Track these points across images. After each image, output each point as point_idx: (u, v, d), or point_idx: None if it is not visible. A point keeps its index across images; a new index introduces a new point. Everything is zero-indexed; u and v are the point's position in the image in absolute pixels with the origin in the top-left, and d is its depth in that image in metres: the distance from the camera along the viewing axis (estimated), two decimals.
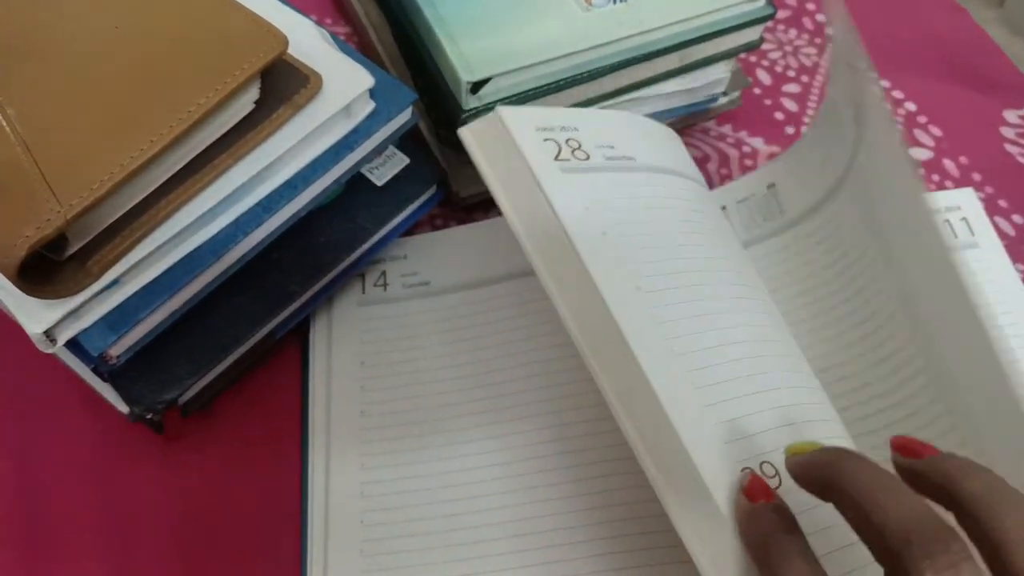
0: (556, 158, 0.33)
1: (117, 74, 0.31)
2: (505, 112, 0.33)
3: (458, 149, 0.41)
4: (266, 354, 0.38)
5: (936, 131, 0.49)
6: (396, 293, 0.38)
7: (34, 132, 0.29)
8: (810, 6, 0.54)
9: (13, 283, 0.28)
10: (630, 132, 0.35)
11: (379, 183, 0.40)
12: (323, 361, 0.37)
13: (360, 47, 0.48)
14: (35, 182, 0.28)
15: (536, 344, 0.36)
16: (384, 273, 0.38)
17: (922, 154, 0.48)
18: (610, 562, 0.31)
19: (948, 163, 0.47)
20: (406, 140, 0.40)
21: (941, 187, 0.47)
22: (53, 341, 0.31)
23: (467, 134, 0.32)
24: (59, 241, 0.29)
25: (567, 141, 0.34)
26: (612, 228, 0.30)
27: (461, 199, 0.42)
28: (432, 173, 0.41)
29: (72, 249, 0.30)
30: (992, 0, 1.44)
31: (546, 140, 0.33)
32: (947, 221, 0.42)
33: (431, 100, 0.40)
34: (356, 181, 0.39)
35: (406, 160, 0.40)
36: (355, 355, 0.37)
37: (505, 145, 0.32)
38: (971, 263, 0.40)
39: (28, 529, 0.34)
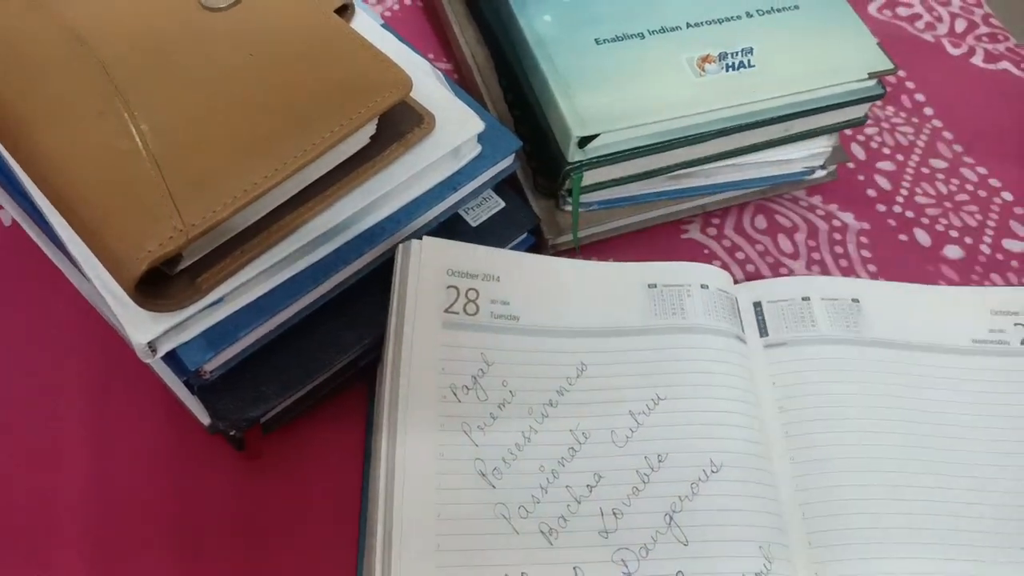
0: (447, 309, 0.36)
1: (247, 101, 0.32)
2: (426, 245, 0.36)
3: (553, 198, 0.42)
4: (348, 380, 0.38)
5: None
6: (484, 322, 0.37)
7: (165, 149, 0.30)
8: (909, 84, 0.54)
9: (128, 294, 0.29)
10: (550, 285, 0.38)
11: (474, 224, 0.40)
12: (403, 386, 0.36)
13: (462, 84, 0.49)
14: (162, 198, 0.29)
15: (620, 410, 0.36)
16: (477, 294, 0.38)
17: (1017, 246, 0.47)
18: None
19: None
20: (502, 184, 0.40)
21: None
22: (154, 351, 0.31)
23: (400, 248, 0.36)
24: (174, 256, 0.30)
25: (467, 291, 0.37)
26: (452, 393, 0.34)
27: (551, 247, 0.42)
28: (526, 219, 0.41)
29: (184, 264, 0.31)
30: None
31: (450, 287, 0.36)
32: (1021, 325, 0.41)
33: (533, 147, 0.41)
34: (452, 220, 0.39)
35: (502, 204, 0.41)
36: (435, 385, 0.36)
37: (412, 276, 0.36)
38: None
39: (98, 530, 0.35)
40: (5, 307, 0.40)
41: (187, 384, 0.34)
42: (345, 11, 0.37)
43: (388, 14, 0.54)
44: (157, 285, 0.30)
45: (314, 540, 0.35)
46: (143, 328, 0.30)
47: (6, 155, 0.34)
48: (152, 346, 0.31)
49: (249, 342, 0.34)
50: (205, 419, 0.36)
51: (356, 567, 0.35)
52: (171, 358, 0.32)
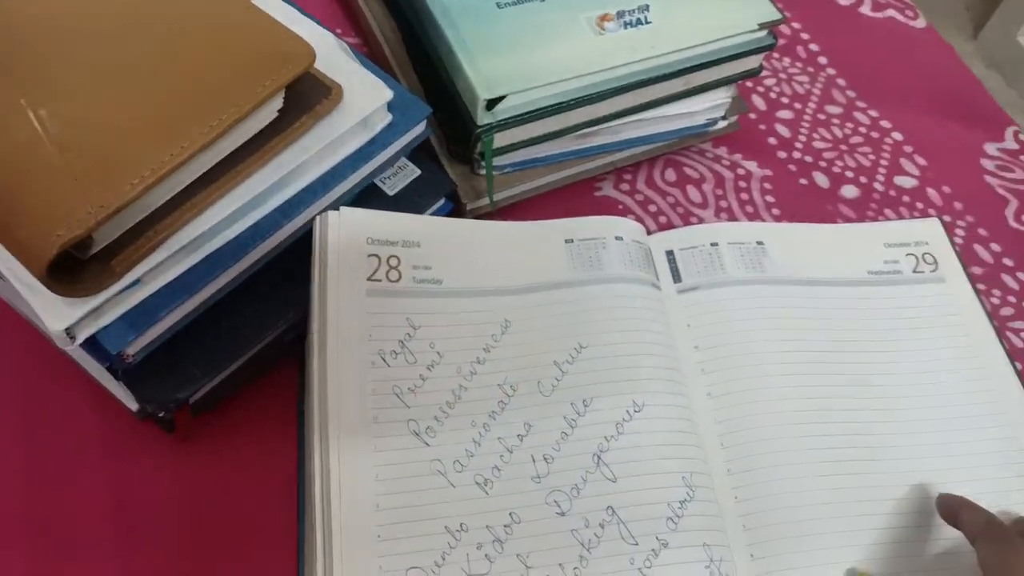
0: (369, 277, 0.37)
1: (149, 79, 0.32)
2: (345, 216, 0.37)
3: (468, 162, 0.42)
4: (276, 357, 0.39)
5: (921, 161, 0.51)
6: (407, 287, 0.38)
7: (67, 132, 0.30)
8: (804, 36, 0.56)
9: (41, 281, 0.29)
10: (470, 247, 0.39)
11: (391, 193, 0.41)
12: (331, 355, 0.37)
13: (371, 57, 0.49)
14: (67, 182, 0.29)
15: (537, 361, 0.37)
16: (398, 261, 0.38)
17: (907, 182, 0.50)
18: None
19: (932, 192, 0.50)
20: (417, 152, 0.41)
21: (925, 214, 0.49)
22: (72, 338, 0.31)
23: (318, 220, 0.36)
24: (84, 240, 0.30)
25: (389, 259, 0.37)
26: (381, 359, 0.35)
27: (469, 211, 0.43)
28: (442, 185, 0.42)
29: (96, 248, 0.31)
30: (967, 34, 1.49)
31: (370, 256, 0.37)
32: (912, 255, 0.44)
33: (444, 114, 0.41)
34: (368, 190, 0.40)
35: (417, 171, 0.41)
36: (363, 352, 0.37)
37: (333, 246, 0.36)
38: (935, 298, 0.42)
39: (36, 524, 0.35)
40: None
41: (110, 370, 0.34)
42: None
43: None
44: (70, 271, 0.30)
45: (252, 521, 0.36)
46: (59, 315, 0.30)
47: None
48: (70, 333, 0.31)
49: (170, 323, 0.34)
50: (132, 404, 0.36)
51: (297, 540, 0.35)
52: (91, 344, 0.32)
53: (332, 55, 0.38)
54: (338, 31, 0.52)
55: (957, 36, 1.48)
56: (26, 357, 0.38)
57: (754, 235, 0.42)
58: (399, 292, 0.37)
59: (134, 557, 0.34)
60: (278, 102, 0.34)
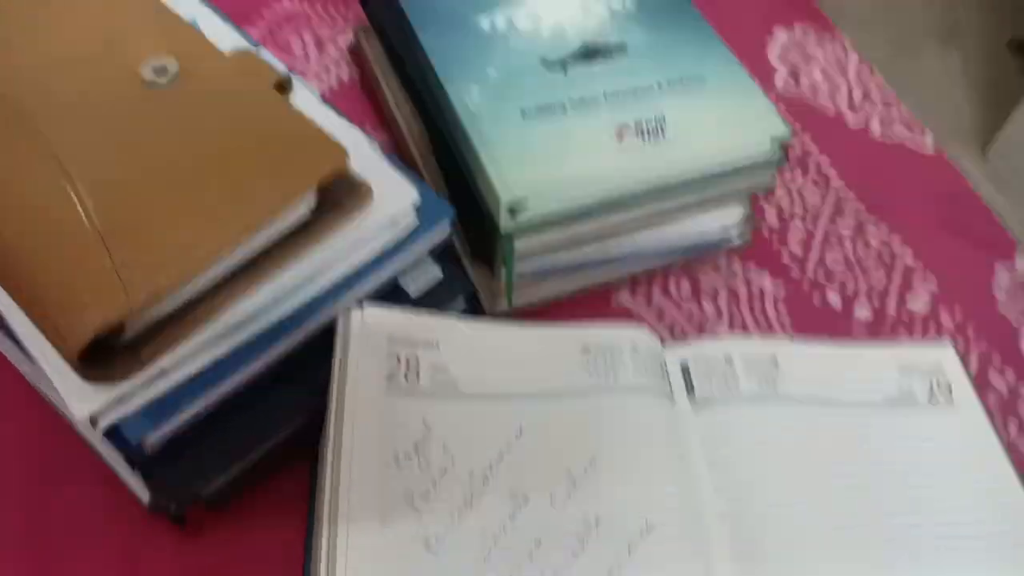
0: (388, 376, 0.37)
1: (190, 175, 0.33)
2: (368, 315, 0.37)
3: (489, 265, 0.43)
4: (291, 451, 0.39)
5: (933, 283, 0.52)
6: (424, 388, 0.38)
7: (109, 222, 0.31)
8: (813, 150, 0.58)
9: (71, 365, 0.29)
10: (489, 350, 0.39)
11: (412, 292, 0.41)
12: (345, 454, 0.37)
13: (397, 153, 0.51)
14: (107, 270, 0.30)
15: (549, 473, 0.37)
16: (417, 362, 0.38)
17: (920, 305, 0.51)
18: None
19: (945, 316, 0.50)
20: (441, 252, 0.42)
21: (938, 338, 0.49)
22: (95, 425, 0.31)
23: (341, 317, 0.37)
24: (115, 328, 0.30)
25: (408, 359, 0.38)
26: (397, 462, 0.35)
27: (489, 313, 0.43)
28: (463, 286, 0.42)
29: (126, 336, 0.31)
30: (976, 157, 1.53)
31: (390, 355, 0.37)
32: (926, 381, 0.44)
33: (466, 215, 0.43)
34: (392, 290, 0.41)
35: (439, 271, 0.42)
36: (377, 454, 0.37)
37: (355, 344, 0.36)
38: (950, 428, 0.42)
39: None
40: None
41: (127, 459, 0.34)
42: (284, 88, 0.39)
43: (327, 90, 0.56)
44: (99, 357, 0.31)
45: None
46: (84, 400, 0.31)
47: None
48: (93, 419, 0.31)
49: (191, 414, 0.34)
50: (145, 496, 0.35)
51: None
52: (112, 432, 0.32)
53: (363, 154, 0.39)
54: (366, 126, 0.54)
55: (964, 154, 1.52)
56: (41, 437, 0.38)
57: (769, 352, 0.42)
58: (416, 393, 0.37)
59: None
60: (311, 200, 0.35)
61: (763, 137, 0.43)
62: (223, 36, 0.42)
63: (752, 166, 0.44)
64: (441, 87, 0.42)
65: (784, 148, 0.44)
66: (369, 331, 0.38)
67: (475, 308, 0.43)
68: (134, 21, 0.38)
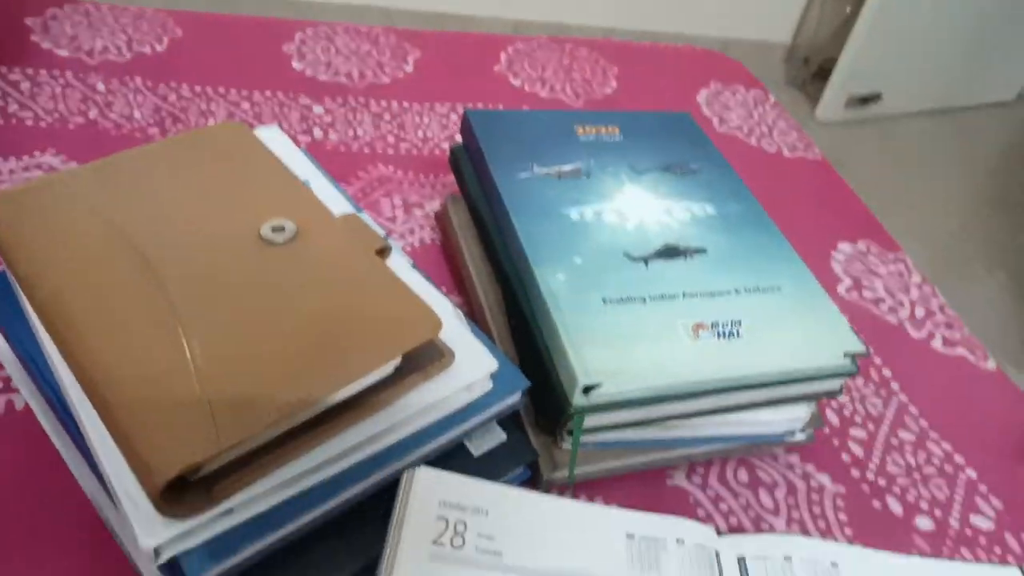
0: (435, 541, 0.37)
1: (291, 329, 0.35)
2: (423, 474, 0.38)
3: (551, 434, 0.44)
4: None
5: (997, 503, 0.50)
6: (470, 556, 0.38)
7: (211, 367, 0.33)
8: (877, 360, 0.59)
9: (151, 499, 0.30)
10: (535, 524, 0.39)
11: (475, 453, 0.42)
12: None
13: (471, 317, 0.53)
14: (201, 414, 0.31)
15: None
16: (464, 527, 0.38)
17: (984, 523, 0.49)
18: None
19: (1010, 538, 0.48)
20: (506, 418, 0.43)
21: (1003, 560, 0.47)
22: (157, 556, 0.32)
23: (405, 476, 0.38)
24: (197, 466, 0.31)
25: (456, 524, 0.38)
26: None
27: (546, 481, 0.44)
28: (525, 453, 0.43)
29: (203, 473, 0.32)
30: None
31: (439, 518, 0.38)
32: None
33: (536, 386, 0.44)
34: (455, 449, 0.41)
35: (503, 436, 0.43)
36: None
37: (407, 505, 0.37)
38: None
39: None
40: (6, 484, 0.40)
41: None
42: (383, 252, 0.42)
43: (410, 249, 0.60)
44: (172, 490, 0.32)
45: None
46: (152, 532, 0.31)
47: (46, 348, 0.37)
48: (158, 551, 0.31)
49: (248, 555, 0.34)
50: None
51: None
52: (170, 566, 0.33)
53: (447, 319, 0.41)
54: (443, 288, 0.56)
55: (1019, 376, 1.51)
56: (92, 559, 0.39)
57: (830, 555, 0.41)
58: (460, 560, 0.37)
59: None
60: (397, 360, 0.37)
61: (837, 351, 0.44)
62: (330, 198, 0.46)
63: (822, 375, 0.44)
64: (529, 268, 0.44)
65: (855, 361, 0.45)
66: (423, 492, 0.38)
67: (534, 475, 0.44)
68: (259, 183, 0.42)
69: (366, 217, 0.45)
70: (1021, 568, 0.44)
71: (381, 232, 0.43)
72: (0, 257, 0.38)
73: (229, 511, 0.33)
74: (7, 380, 0.46)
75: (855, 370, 0.45)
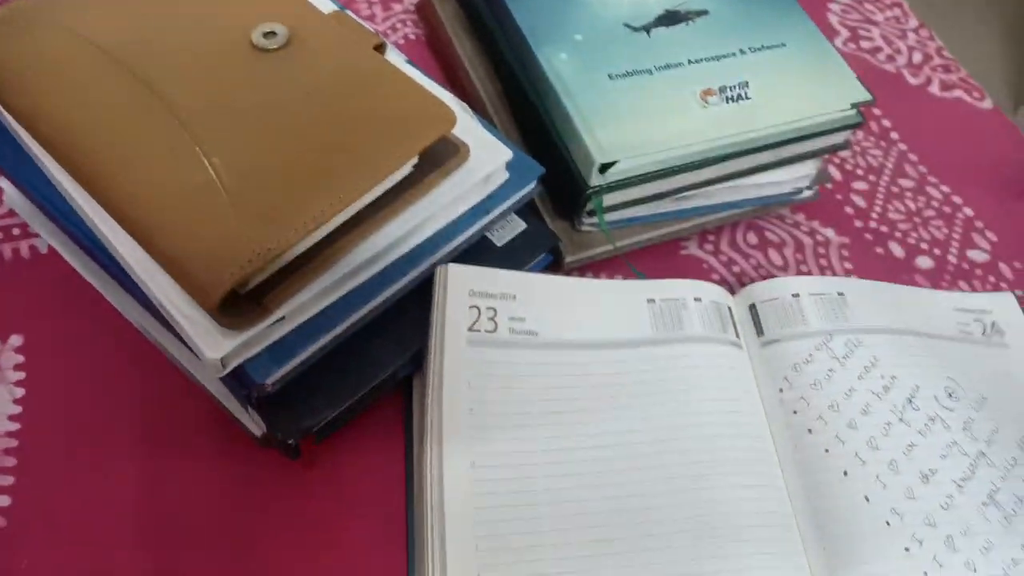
0: (470, 327, 0.39)
1: (306, 137, 0.35)
2: (452, 270, 0.40)
3: (569, 219, 0.45)
4: (385, 390, 0.41)
5: (992, 236, 0.53)
6: (503, 338, 0.40)
7: (237, 182, 0.33)
8: (876, 111, 0.59)
9: (211, 315, 0.32)
10: (562, 302, 0.42)
11: (499, 244, 0.43)
12: (435, 397, 0.39)
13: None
14: (238, 227, 0.32)
15: (629, 414, 0.39)
16: (495, 312, 0.41)
17: (980, 256, 0.52)
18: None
19: (1004, 266, 0.52)
20: (523, 207, 0.44)
21: (997, 288, 0.51)
22: (223, 367, 0.34)
23: (438, 274, 0.40)
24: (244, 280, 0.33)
25: (487, 309, 0.40)
26: (478, 407, 0.38)
27: (568, 263, 0.45)
28: (545, 239, 0.44)
29: (251, 286, 0.33)
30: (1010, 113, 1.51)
31: (471, 307, 0.40)
32: (980, 322, 0.46)
33: (550, 174, 0.44)
34: (479, 242, 0.43)
35: (523, 225, 0.44)
36: (462, 399, 0.39)
37: (442, 299, 0.40)
38: (1003, 362, 0.44)
39: (155, 534, 0.37)
40: (49, 329, 0.42)
41: (249, 399, 0.36)
42: (380, 49, 0.40)
43: (395, 47, 0.57)
44: (226, 307, 0.33)
45: (363, 539, 0.38)
46: (216, 345, 0.33)
47: (64, 186, 0.36)
48: (223, 362, 0.33)
49: (305, 356, 0.36)
50: (259, 431, 0.38)
51: (407, 563, 0.37)
52: (235, 374, 0.35)
53: (459, 117, 0.41)
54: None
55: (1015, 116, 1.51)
56: (149, 382, 0.41)
57: (835, 287, 0.44)
58: (495, 342, 0.40)
59: (250, 570, 0.36)
60: (415, 158, 0.37)
61: (843, 101, 0.44)
62: None
63: (829, 128, 0.45)
64: (530, 51, 0.43)
65: (860, 111, 0.45)
66: (453, 285, 0.40)
67: (556, 260, 0.45)
68: None
69: (351, 14, 0.43)
70: (1015, 293, 0.47)
71: (371, 28, 0.41)
72: None
73: (282, 319, 0.35)
74: (23, 226, 0.46)
75: (860, 120, 0.45)
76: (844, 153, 0.56)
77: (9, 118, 0.37)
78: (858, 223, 0.53)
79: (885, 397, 0.40)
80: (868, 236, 0.52)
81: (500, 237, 0.44)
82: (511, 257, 0.43)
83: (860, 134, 0.57)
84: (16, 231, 0.45)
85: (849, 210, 0.53)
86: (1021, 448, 0.41)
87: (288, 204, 0.33)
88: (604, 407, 0.39)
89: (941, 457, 0.39)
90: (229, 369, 0.34)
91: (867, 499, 0.37)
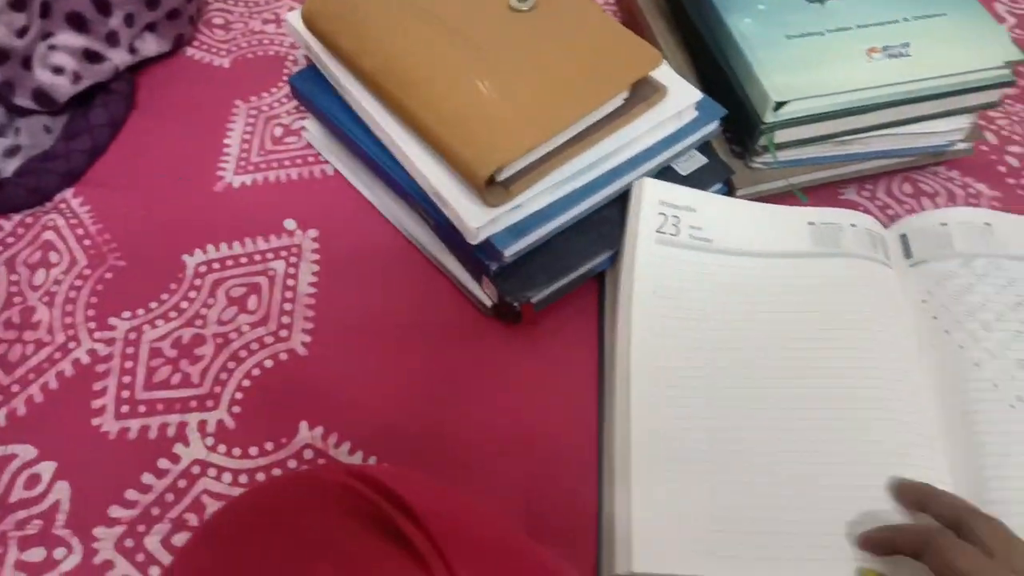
0: (658, 229, 0.49)
1: (550, 67, 0.46)
2: (647, 182, 0.50)
3: (742, 157, 0.54)
4: (589, 280, 0.52)
5: None
6: (684, 241, 0.50)
7: (499, 98, 0.45)
8: None
9: (478, 189, 0.44)
10: (733, 218, 0.50)
11: (683, 173, 0.53)
12: (625, 284, 0.49)
13: None
14: (502, 127, 0.44)
15: (793, 319, 0.48)
16: (678, 220, 0.50)
17: None
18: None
19: None
20: (704, 146, 0.53)
21: None
22: (478, 233, 0.45)
23: (635, 185, 0.50)
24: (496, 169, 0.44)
25: (672, 216, 0.50)
26: (662, 289, 0.47)
27: (739, 195, 0.54)
28: (722, 172, 0.54)
29: (502, 176, 0.45)
30: None
31: (660, 213, 0.49)
32: None
33: (730, 120, 0.54)
34: (665, 169, 0.53)
35: (704, 159, 0.54)
36: (650, 286, 0.49)
37: (638, 205, 0.49)
38: None
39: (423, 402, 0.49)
40: (335, 227, 0.56)
41: (487, 267, 0.48)
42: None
43: None
44: (484, 189, 0.45)
45: (565, 391, 0.48)
46: (476, 216, 0.45)
47: (370, 114, 0.50)
48: (479, 231, 0.45)
49: (535, 239, 0.48)
50: (490, 301, 0.50)
51: (598, 409, 0.47)
52: (482, 247, 0.46)
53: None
54: None
55: None
56: (401, 266, 0.54)
57: (983, 218, 0.50)
58: (677, 243, 0.49)
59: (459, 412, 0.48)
60: (626, 92, 0.48)
61: (996, 59, 0.51)
62: None
63: (983, 84, 0.51)
64: (719, 17, 0.53)
65: (1013, 71, 0.51)
66: (647, 196, 0.50)
67: (728, 192, 0.55)
68: None
69: None
70: None
71: None
72: (323, 46, 0.51)
73: (519, 206, 0.46)
74: (316, 156, 0.60)
75: (1013, 80, 0.51)
76: (1000, 120, 0.61)
77: (329, 64, 0.52)
78: (1010, 180, 0.58)
79: (1017, 310, 0.46)
80: (1021, 192, 0.57)
81: (684, 168, 0.53)
82: (692, 184, 0.53)
83: (1017, 104, 0.62)
84: (311, 159, 0.60)
85: (1002, 169, 0.59)
86: None
87: (538, 115, 0.44)
88: (763, 305, 0.48)
89: None
90: (483, 238, 0.46)
91: (995, 386, 0.44)
